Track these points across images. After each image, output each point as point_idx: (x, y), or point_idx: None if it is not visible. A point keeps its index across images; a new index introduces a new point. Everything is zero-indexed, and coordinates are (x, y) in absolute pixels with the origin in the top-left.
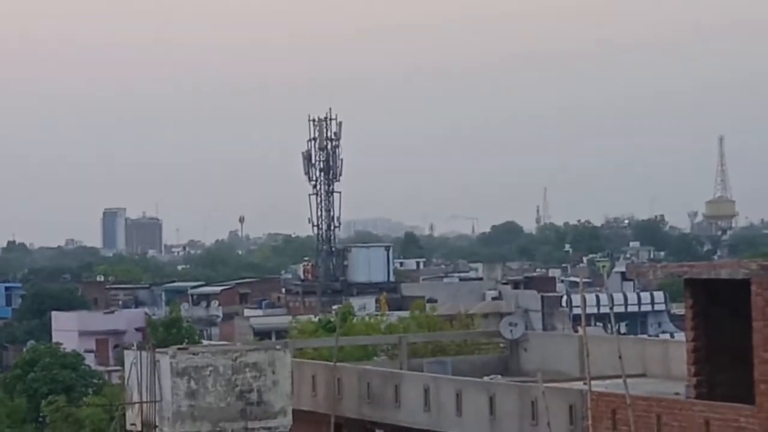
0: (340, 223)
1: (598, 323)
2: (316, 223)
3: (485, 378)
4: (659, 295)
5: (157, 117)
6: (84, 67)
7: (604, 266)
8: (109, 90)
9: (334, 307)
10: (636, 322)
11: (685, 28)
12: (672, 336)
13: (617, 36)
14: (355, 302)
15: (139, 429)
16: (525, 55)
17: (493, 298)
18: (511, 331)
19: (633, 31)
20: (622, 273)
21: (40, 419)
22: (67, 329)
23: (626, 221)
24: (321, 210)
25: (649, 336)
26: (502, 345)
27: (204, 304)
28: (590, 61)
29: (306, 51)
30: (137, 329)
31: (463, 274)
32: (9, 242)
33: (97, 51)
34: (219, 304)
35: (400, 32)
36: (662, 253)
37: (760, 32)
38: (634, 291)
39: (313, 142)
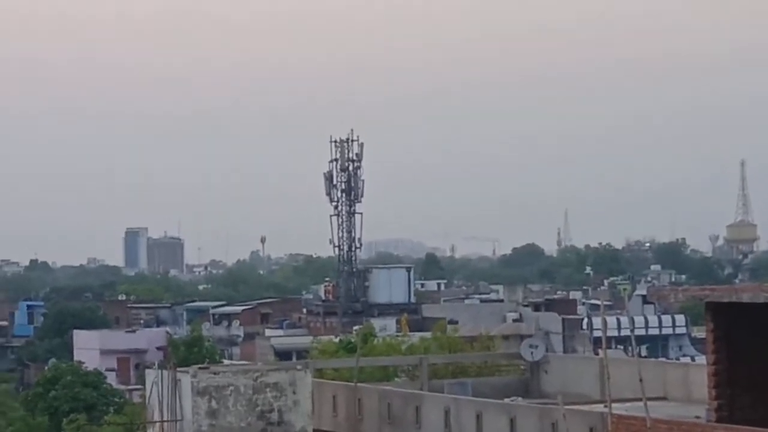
0: (361, 244)
1: (618, 346)
2: (337, 244)
3: (506, 400)
4: (680, 319)
5: (179, 136)
6: (107, 84)
7: (625, 289)
8: (132, 108)
9: (355, 327)
10: (657, 345)
11: (710, 48)
12: (693, 359)
13: (639, 56)
14: (376, 323)
15: None
16: (544, 76)
17: (514, 320)
18: (531, 353)
19: (654, 52)
20: (643, 296)
21: None
22: (89, 348)
23: (647, 244)
24: (342, 231)
25: (670, 359)
26: (522, 367)
27: (225, 323)
28: (612, 82)
29: (325, 71)
30: (158, 348)
31: (483, 296)
32: (31, 261)
33: (118, 69)
34: (240, 324)
35: (414, 52)
36: (683, 277)
37: None
38: (655, 314)
39: (334, 163)
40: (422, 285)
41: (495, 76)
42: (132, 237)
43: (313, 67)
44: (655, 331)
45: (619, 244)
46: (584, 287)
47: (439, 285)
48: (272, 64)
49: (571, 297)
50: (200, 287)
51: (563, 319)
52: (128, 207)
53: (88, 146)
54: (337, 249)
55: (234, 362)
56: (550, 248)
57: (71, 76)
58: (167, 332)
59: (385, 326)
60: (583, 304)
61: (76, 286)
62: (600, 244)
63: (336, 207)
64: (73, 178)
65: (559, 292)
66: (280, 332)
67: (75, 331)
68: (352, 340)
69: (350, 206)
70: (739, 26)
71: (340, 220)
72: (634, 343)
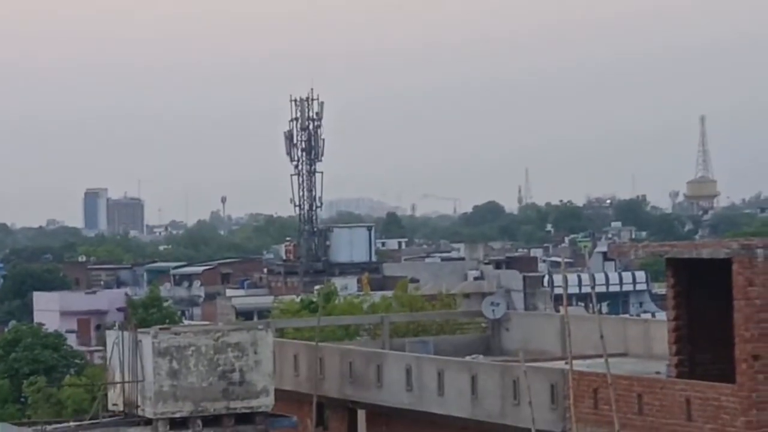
0: (321, 204)
1: (579, 303)
2: (298, 204)
3: (467, 357)
4: (641, 275)
5: (142, 91)
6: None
7: (585, 246)
8: (95, 62)
9: (316, 287)
10: (617, 301)
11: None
12: (653, 315)
13: (596, 10)
14: (337, 282)
15: (121, 409)
16: (509, 29)
17: (475, 278)
18: (492, 310)
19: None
20: (604, 253)
21: (22, 399)
22: (49, 309)
23: (608, 201)
24: (303, 190)
25: (631, 315)
26: (484, 325)
27: (186, 284)
28: (575, 37)
29: (287, 26)
30: (119, 309)
31: (444, 254)
32: None
33: (80, 22)
34: (201, 284)
35: (377, 9)
36: (644, 233)
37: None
38: (615, 271)
39: (294, 122)
40: (383, 244)
41: (455, 33)
42: (92, 198)
43: (272, 22)
44: (616, 288)
45: (579, 201)
46: (545, 244)
47: (400, 244)
48: (240, 16)
49: (532, 254)
50: (161, 248)
51: (524, 277)
52: (87, 167)
53: (45, 104)
54: (297, 208)
55: (195, 322)
56: (511, 206)
57: (34, 33)
58: (127, 293)
59: (346, 285)
60: (544, 261)
61: (36, 248)
62: (561, 201)
63: (296, 166)
64: (31, 138)
65: (520, 250)
66: (241, 292)
67: (35, 293)
68: (314, 300)
69: (310, 165)
70: None
71: (301, 179)
72: (594, 299)
